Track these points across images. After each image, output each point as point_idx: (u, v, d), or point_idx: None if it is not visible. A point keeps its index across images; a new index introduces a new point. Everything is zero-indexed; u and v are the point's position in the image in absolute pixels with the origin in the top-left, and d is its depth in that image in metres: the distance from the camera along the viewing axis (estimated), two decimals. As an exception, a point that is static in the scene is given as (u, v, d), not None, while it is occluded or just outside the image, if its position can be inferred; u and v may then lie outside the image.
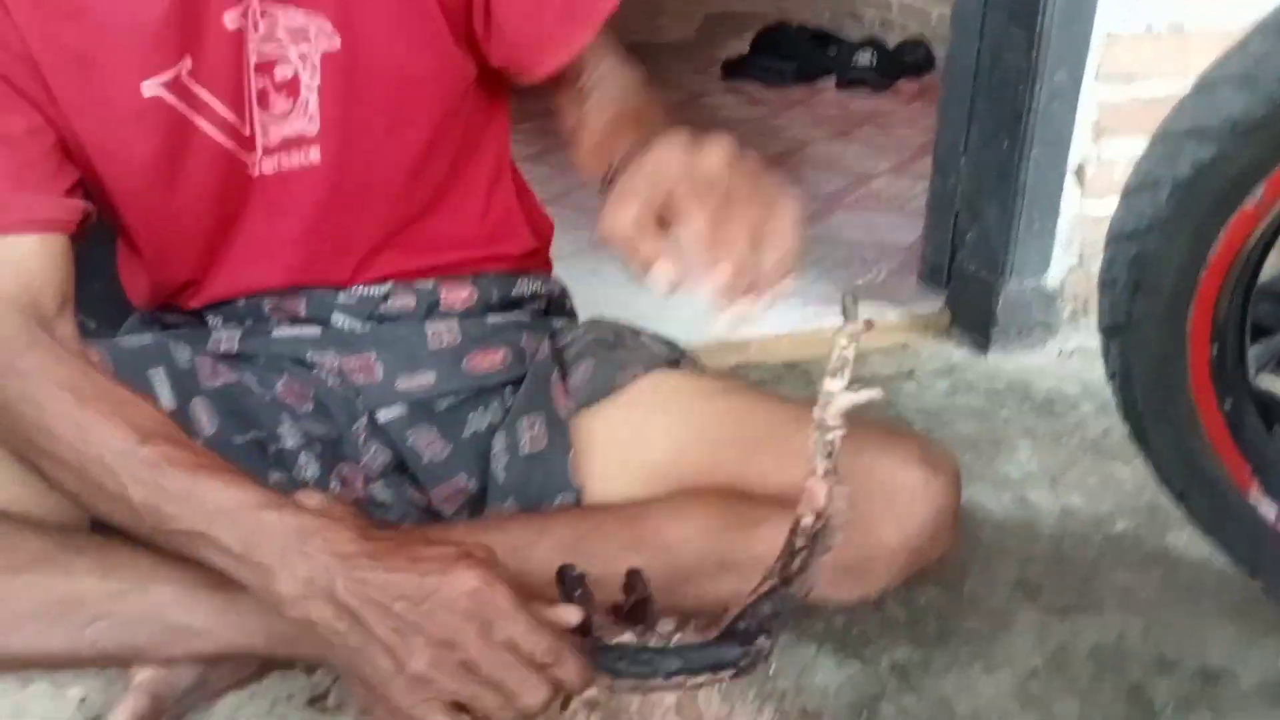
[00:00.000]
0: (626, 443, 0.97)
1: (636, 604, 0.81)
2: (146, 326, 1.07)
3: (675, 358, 1.05)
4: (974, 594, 1.09)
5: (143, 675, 0.78)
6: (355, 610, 0.69)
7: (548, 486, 0.96)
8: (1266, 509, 0.94)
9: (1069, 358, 1.72)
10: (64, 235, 0.86)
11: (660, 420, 0.97)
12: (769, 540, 0.78)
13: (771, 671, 0.92)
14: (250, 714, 0.85)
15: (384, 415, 1.01)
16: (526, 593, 0.73)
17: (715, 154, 0.69)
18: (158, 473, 0.74)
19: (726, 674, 0.78)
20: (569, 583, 0.79)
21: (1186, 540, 1.20)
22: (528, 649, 0.70)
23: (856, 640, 1.00)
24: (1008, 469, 1.35)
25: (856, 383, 0.72)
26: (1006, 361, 1.69)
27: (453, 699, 0.70)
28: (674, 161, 0.69)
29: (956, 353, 1.72)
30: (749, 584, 0.79)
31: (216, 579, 0.78)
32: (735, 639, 0.77)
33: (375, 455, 1.02)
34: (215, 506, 0.73)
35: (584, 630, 0.76)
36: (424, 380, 1.02)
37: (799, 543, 0.75)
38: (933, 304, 1.78)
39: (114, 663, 0.80)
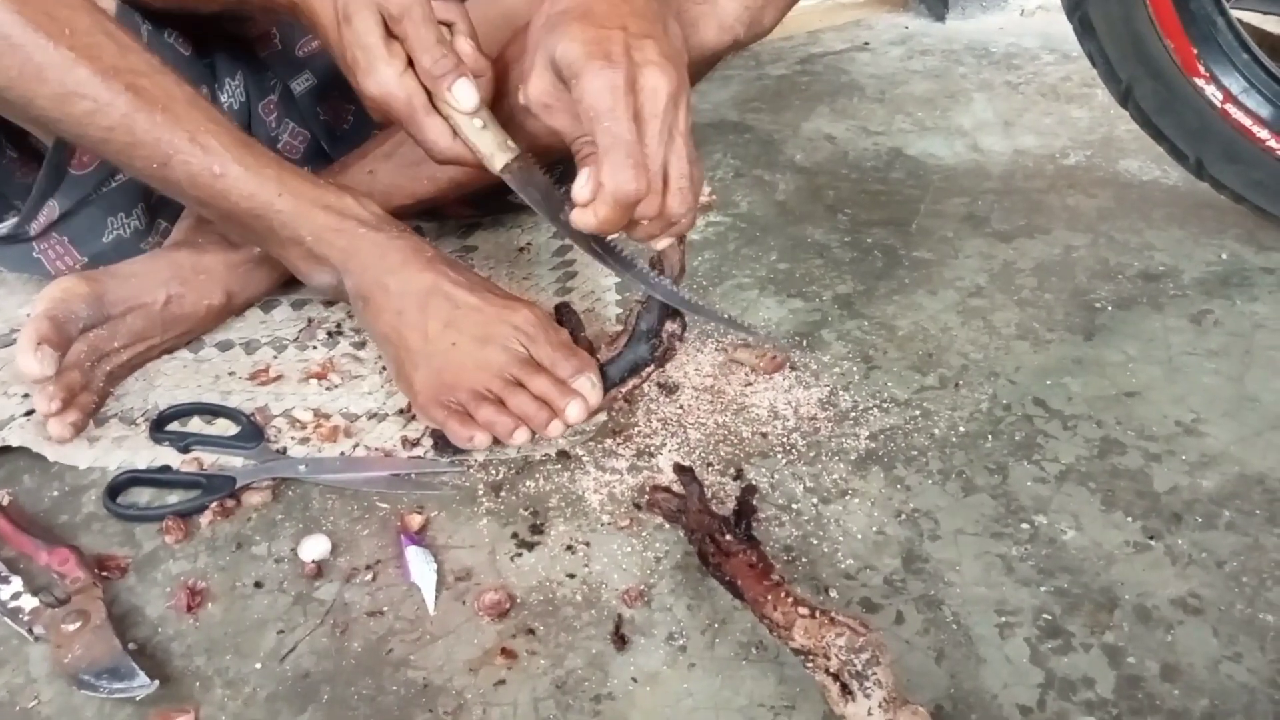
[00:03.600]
0: None
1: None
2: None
3: None
4: (922, 229, 1.07)
5: (38, 308, 0.77)
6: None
7: None
8: (1213, 92, 0.90)
9: (1031, 16, 1.64)
10: None
11: None
12: None
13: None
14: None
15: (295, 87, 0.96)
16: None
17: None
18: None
19: (649, 369, 0.80)
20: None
21: (1139, 166, 1.18)
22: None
23: (800, 280, 0.99)
24: (961, 120, 1.31)
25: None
26: (965, 25, 1.61)
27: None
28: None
29: (913, 23, 1.64)
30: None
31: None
32: (641, 339, 0.79)
33: (294, 135, 0.98)
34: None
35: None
36: None
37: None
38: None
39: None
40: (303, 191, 0.77)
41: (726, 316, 0.80)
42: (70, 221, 0.88)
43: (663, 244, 0.70)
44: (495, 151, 0.74)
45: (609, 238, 0.72)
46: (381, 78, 0.72)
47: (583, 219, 0.64)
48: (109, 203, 0.89)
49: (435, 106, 0.74)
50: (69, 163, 0.85)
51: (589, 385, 0.75)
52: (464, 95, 0.72)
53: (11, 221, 0.87)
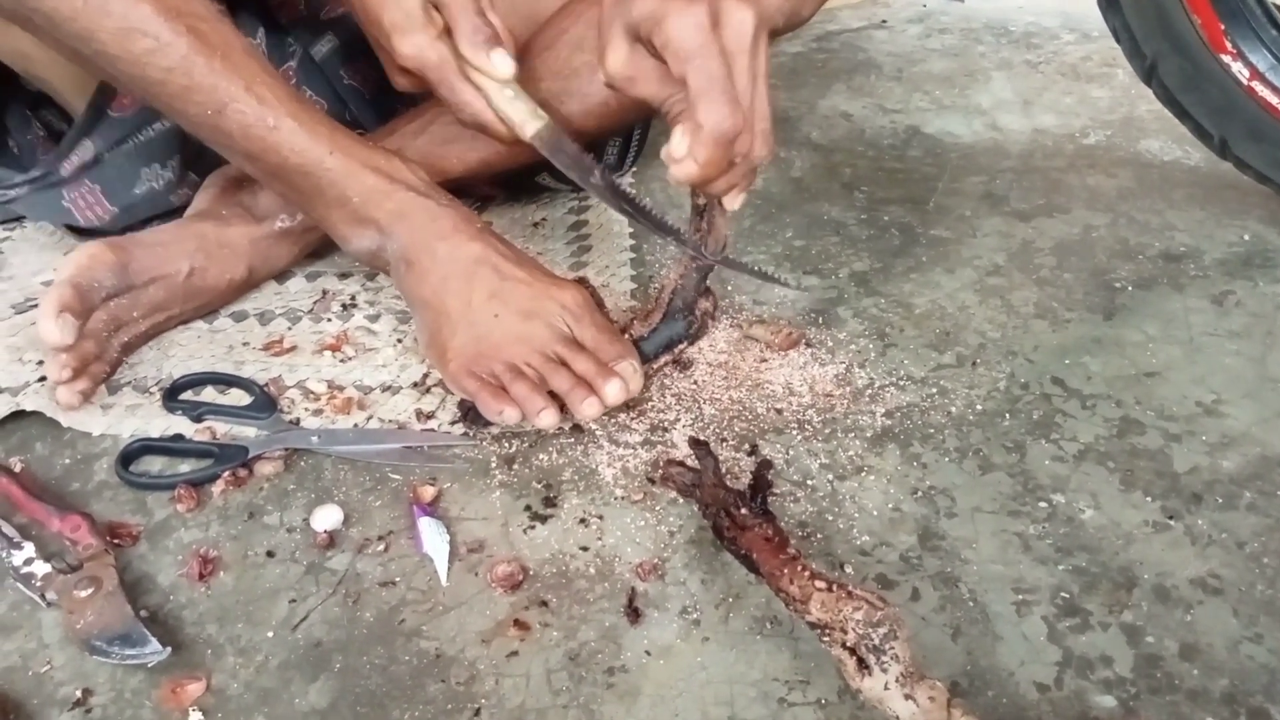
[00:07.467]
0: None
1: None
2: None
3: None
4: (939, 207, 1.06)
5: (63, 274, 0.76)
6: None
7: None
8: (1239, 69, 0.89)
9: (1052, -6, 1.62)
10: None
11: None
12: None
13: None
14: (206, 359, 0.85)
15: (318, 51, 0.96)
16: None
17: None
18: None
19: (681, 347, 0.81)
20: None
21: (1160, 146, 1.16)
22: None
23: (816, 258, 0.98)
24: (980, 98, 1.29)
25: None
26: (984, 4, 1.59)
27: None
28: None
29: (932, 0, 1.62)
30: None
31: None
32: (677, 316, 0.80)
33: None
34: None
35: None
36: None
37: (701, 202, 0.74)
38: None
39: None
40: (354, 152, 0.77)
41: (763, 271, 0.81)
42: (103, 168, 0.88)
43: (737, 202, 0.69)
44: (527, 119, 0.75)
45: (642, 200, 0.73)
46: (419, 40, 0.74)
47: (683, 171, 0.63)
48: (144, 151, 0.89)
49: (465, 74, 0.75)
50: (110, 104, 0.85)
51: (631, 370, 0.74)
52: (502, 63, 0.74)
53: (46, 159, 0.86)
